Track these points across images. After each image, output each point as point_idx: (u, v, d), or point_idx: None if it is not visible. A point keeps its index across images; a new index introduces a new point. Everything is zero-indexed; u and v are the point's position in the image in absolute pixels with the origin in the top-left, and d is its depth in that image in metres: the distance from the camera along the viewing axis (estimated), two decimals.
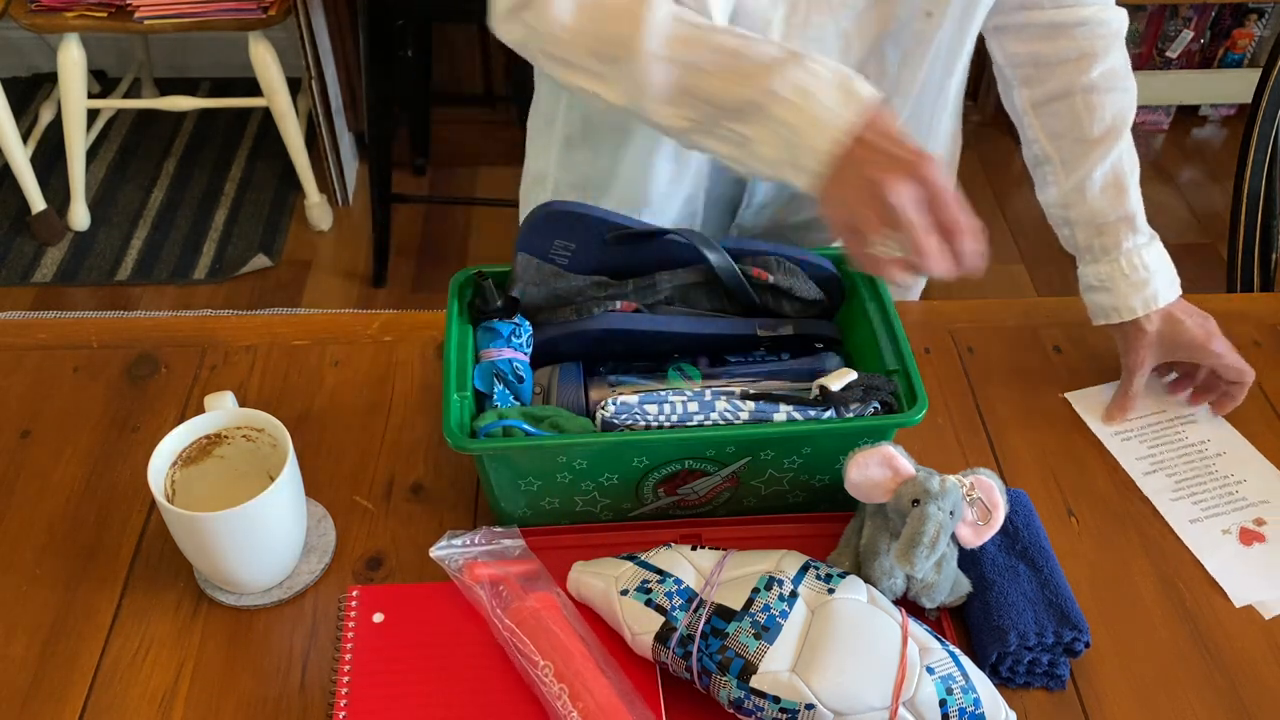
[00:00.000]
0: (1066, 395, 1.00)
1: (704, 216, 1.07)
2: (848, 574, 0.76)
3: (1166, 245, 0.99)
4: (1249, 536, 0.88)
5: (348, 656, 0.76)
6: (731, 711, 0.72)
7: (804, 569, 0.76)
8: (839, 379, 0.81)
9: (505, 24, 0.83)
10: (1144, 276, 0.96)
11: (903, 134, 0.74)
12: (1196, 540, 0.88)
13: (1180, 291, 0.98)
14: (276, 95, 2.36)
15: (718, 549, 0.79)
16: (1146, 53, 2.82)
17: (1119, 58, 0.98)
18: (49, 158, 2.70)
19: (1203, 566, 0.86)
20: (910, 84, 0.95)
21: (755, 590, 0.74)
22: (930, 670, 0.71)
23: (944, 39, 0.92)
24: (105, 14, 2.24)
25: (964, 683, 0.71)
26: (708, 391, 0.82)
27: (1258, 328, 1.07)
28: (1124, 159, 0.98)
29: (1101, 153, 0.97)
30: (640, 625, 0.75)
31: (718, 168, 1.02)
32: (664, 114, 0.79)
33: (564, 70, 0.82)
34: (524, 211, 1.15)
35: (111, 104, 2.59)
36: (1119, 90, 0.97)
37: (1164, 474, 0.93)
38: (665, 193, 1.02)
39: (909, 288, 0.75)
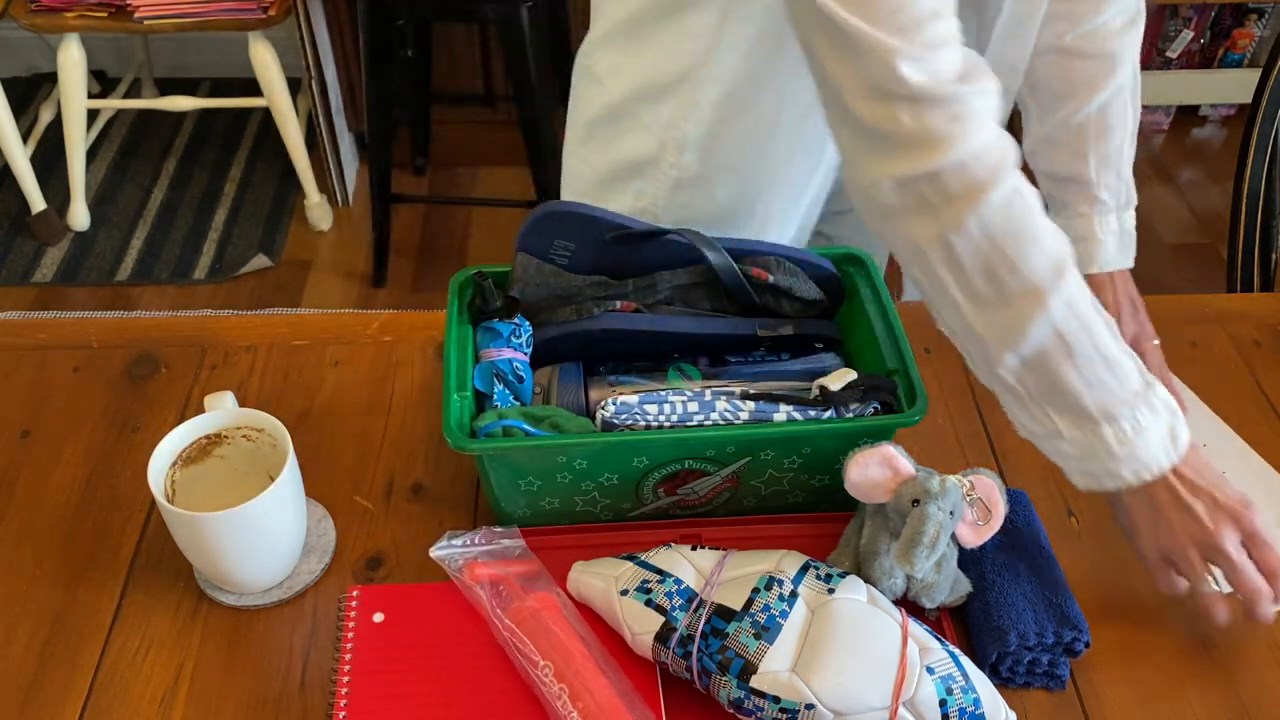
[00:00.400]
0: None
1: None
2: (848, 574, 0.76)
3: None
4: None
5: (348, 656, 0.76)
6: (731, 711, 0.72)
7: (804, 569, 0.76)
8: (839, 379, 0.81)
9: (894, 188, 0.73)
10: (1084, 238, 0.99)
11: (1219, 475, 0.78)
12: None
13: (1127, 267, 1.01)
14: (276, 95, 2.36)
15: (718, 549, 0.79)
16: (1146, 53, 2.82)
17: (1103, 23, 0.97)
18: (49, 158, 2.70)
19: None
20: (1020, 60, 0.97)
21: (755, 590, 0.74)
22: (930, 670, 0.71)
23: (1039, 17, 0.94)
24: (105, 14, 2.24)
25: (964, 683, 0.71)
26: (708, 391, 0.82)
27: (1258, 328, 1.07)
28: (1091, 123, 0.99)
29: (1067, 112, 0.99)
30: (640, 625, 0.75)
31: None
32: (1004, 363, 0.76)
33: (930, 254, 0.74)
34: None
35: (111, 104, 2.59)
36: (1093, 58, 0.98)
37: None
38: (808, 211, 1.05)
39: (1225, 622, 0.80)
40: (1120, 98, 1.00)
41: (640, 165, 1.01)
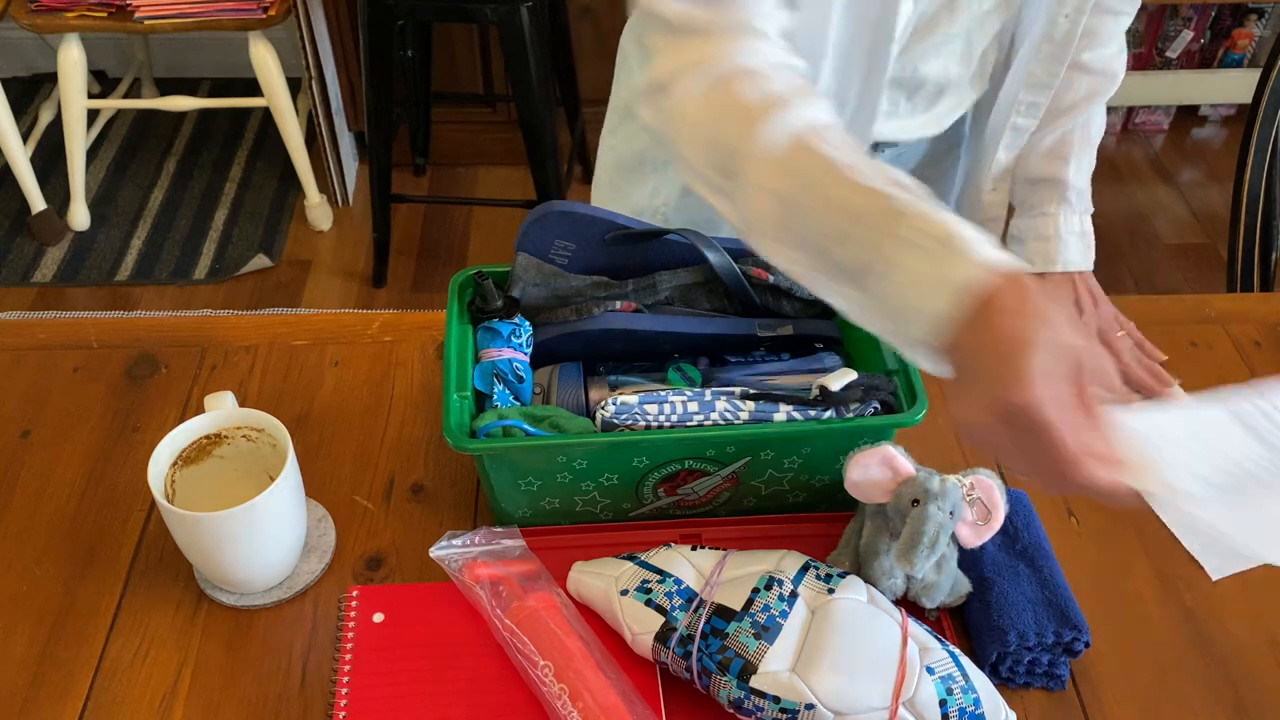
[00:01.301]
0: None
1: None
2: (848, 574, 0.76)
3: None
4: None
5: (348, 656, 0.76)
6: (731, 711, 0.72)
7: (804, 569, 0.76)
8: (839, 379, 0.81)
9: (643, 107, 0.75)
10: (1048, 237, 1.04)
11: (1043, 305, 0.55)
12: (1171, 515, 0.89)
13: (1088, 269, 1.05)
14: (276, 95, 2.36)
15: (718, 549, 0.79)
16: (1146, 53, 2.82)
17: (1112, 41, 1.01)
18: (49, 158, 2.70)
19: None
20: (1054, 77, 0.99)
21: (755, 590, 0.74)
22: (930, 670, 0.71)
23: (1076, 36, 0.96)
24: (105, 14, 2.24)
25: (964, 683, 0.71)
26: (708, 391, 0.82)
27: (1258, 328, 1.07)
28: (1075, 133, 1.03)
29: (1062, 121, 1.03)
30: (640, 625, 0.75)
31: None
32: (776, 252, 0.67)
33: (688, 173, 0.72)
34: None
35: (111, 104, 2.59)
36: (1099, 74, 1.02)
37: None
38: None
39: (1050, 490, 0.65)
40: (1101, 110, 1.05)
41: (658, 163, 1.01)
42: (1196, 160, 2.90)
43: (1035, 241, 1.05)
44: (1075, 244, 1.04)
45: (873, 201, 0.62)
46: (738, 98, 0.68)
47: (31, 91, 2.96)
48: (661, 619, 0.74)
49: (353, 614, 0.79)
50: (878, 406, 0.82)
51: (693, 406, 0.81)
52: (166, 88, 2.79)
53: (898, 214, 0.61)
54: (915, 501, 0.75)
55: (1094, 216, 1.06)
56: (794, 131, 0.66)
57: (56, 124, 2.53)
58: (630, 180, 1.05)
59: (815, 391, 0.81)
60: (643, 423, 0.80)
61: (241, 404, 0.85)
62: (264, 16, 2.22)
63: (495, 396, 0.83)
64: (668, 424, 0.80)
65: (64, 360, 1.01)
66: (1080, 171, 1.04)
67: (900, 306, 0.61)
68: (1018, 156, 1.05)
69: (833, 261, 0.64)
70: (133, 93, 2.87)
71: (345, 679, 0.75)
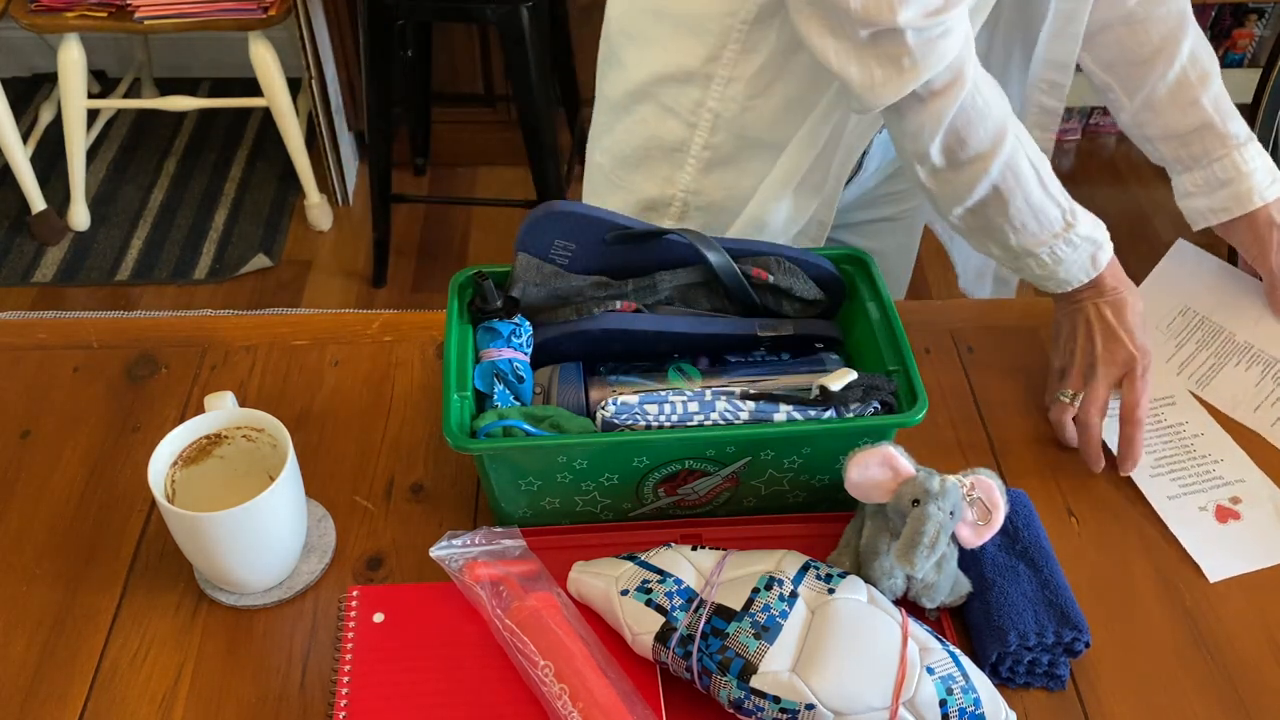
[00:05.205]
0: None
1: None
2: (848, 574, 0.76)
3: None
4: (1224, 514, 0.89)
5: (348, 656, 0.76)
6: (731, 711, 0.72)
7: (804, 569, 0.76)
8: (839, 379, 0.81)
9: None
10: (1232, 179, 0.99)
11: (1141, 323, 0.91)
12: (1173, 515, 0.89)
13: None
14: (276, 95, 2.36)
15: (718, 549, 0.79)
16: None
17: None
18: (49, 158, 2.70)
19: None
20: (1069, 55, 0.99)
21: (755, 590, 0.74)
22: (930, 670, 0.71)
23: (1085, 12, 0.97)
24: (105, 14, 2.24)
25: (964, 683, 0.71)
26: (708, 391, 0.82)
27: None
28: (1188, 71, 0.99)
29: (1160, 70, 0.99)
30: (640, 625, 0.75)
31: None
32: (953, 213, 0.91)
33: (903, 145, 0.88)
34: None
35: (111, 104, 2.59)
36: (1163, 16, 0.98)
37: (1143, 452, 0.94)
38: (789, 219, 1.03)
39: (1069, 440, 0.93)
40: (1201, 41, 1.00)
41: (668, 150, 1.00)
42: None
43: (1228, 186, 0.99)
44: (1262, 171, 0.98)
45: (1056, 209, 0.89)
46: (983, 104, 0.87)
47: (31, 91, 2.96)
48: (661, 619, 0.74)
49: (353, 614, 0.79)
50: (878, 406, 0.82)
51: (693, 406, 0.81)
52: (166, 88, 2.79)
53: (1071, 222, 0.90)
54: (915, 501, 0.75)
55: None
56: (1016, 134, 0.88)
57: (56, 124, 2.53)
58: (636, 172, 1.03)
59: (815, 391, 0.81)
60: (643, 423, 0.80)
61: (241, 404, 0.85)
62: (264, 16, 2.22)
63: (495, 396, 0.83)
64: (668, 424, 0.80)
65: (64, 360, 1.01)
66: (1220, 104, 0.99)
67: (1046, 277, 0.93)
68: (1135, 124, 1.03)
69: (1000, 238, 0.92)
70: (133, 93, 2.87)
71: (345, 679, 0.75)
